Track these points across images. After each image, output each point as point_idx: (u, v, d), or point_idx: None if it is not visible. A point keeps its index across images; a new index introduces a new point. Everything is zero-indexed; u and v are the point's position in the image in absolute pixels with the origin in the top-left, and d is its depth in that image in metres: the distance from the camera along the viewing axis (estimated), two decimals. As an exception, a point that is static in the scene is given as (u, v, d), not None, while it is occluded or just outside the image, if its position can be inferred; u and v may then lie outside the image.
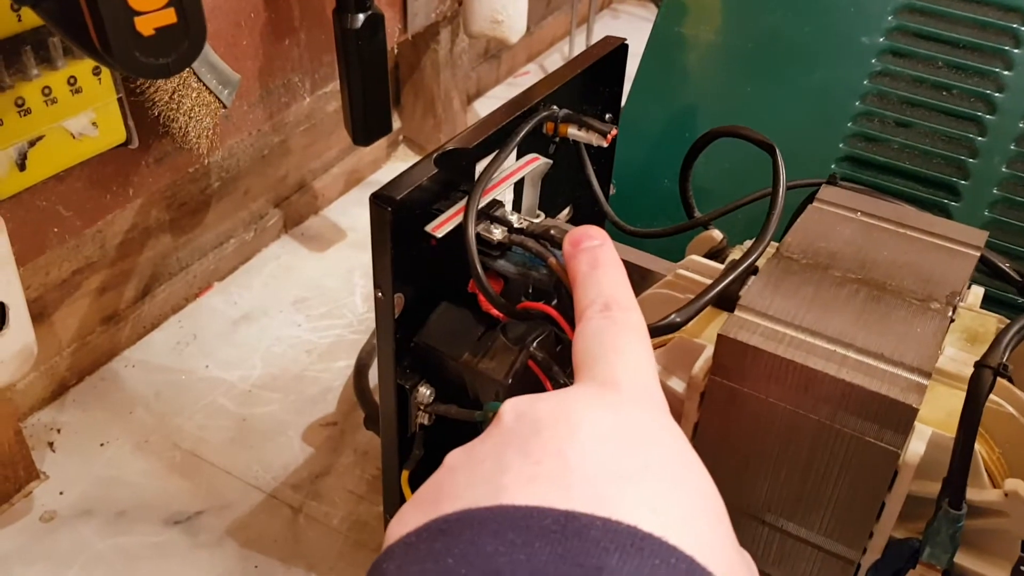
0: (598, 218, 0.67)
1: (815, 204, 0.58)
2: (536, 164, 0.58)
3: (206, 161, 0.75)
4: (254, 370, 0.86)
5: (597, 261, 0.38)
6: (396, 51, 1.09)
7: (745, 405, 0.48)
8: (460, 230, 0.53)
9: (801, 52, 0.73)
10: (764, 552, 0.52)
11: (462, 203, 0.53)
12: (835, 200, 0.58)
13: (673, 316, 0.48)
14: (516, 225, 0.54)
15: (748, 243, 0.62)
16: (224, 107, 0.71)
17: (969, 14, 0.70)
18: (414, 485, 0.58)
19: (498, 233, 0.53)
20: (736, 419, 0.49)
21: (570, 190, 0.66)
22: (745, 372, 0.47)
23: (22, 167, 0.58)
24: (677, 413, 0.53)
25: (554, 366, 0.53)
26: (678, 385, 0.52)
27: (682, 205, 0.64)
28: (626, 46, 0.64)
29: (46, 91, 0.58)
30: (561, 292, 0.52)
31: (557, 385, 0.53)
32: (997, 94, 0.68)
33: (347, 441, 0.80)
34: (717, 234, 0.62)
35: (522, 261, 0.53)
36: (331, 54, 0.86)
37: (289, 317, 0.92)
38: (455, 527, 0.25)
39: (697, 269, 0.56)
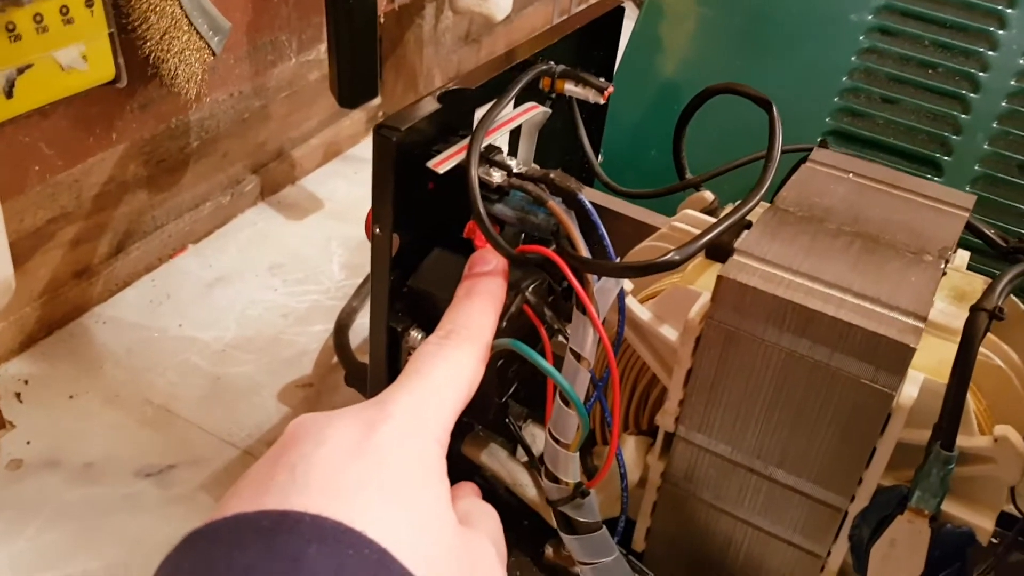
0: (587, 180, 0.67)
1: (808, 164, 0.58)
2: (535, 112, 0.57)
3: (191, 107, 0.73)
4: (228, 331, 0.85)
5: (472, 290, 0.43)
6: (382, 20, 1.08)
7: (741, 348, 0.48)
8: (459, 172, 0.52)
9: (790, 27, 0.74)
10: (751, 501, 0.52)
11: (463, 143, 0.53)
12: (828, 161, 0.59)
13: (672, 254, 0.48)
14: (515, 170, 0.53)
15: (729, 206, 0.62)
16: (213, 54, 0.70)
17: (955, -3, 0.72)
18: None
19: (497, 176, 0.53)
20: (731, 362, 0.49)
21: (560, 153, 0.66)
22: (743, 314, 0.48)
23: (9, 94, 0.57)
24: (669, 361, 0.53)
25: (547, 311, 0.53)
26: (671, 333, 0.52)
27: (675, 166, 0.65)
28: (622, 9, 0.65)
29: (38, 18, 0.57)
30: (559, 237, 0.52)
31: (550, 331, 0.53)
32: (981, 73, 0.70)
33: (324, 402, 0.79)
34: (709, 195, 0.62)
35: (520, 205, 0.53)
36: (320, 15, 0.85)
37: (265, 281, 0.91)
38: (206, 535, 0.27)
39: (692, 222, 0.56)
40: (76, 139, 0.65)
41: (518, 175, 0.53)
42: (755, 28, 0.76)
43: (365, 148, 1.13)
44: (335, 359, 0.83)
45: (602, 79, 0.67)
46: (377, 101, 1.15)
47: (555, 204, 0.51)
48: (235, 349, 0.83)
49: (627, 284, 0.53)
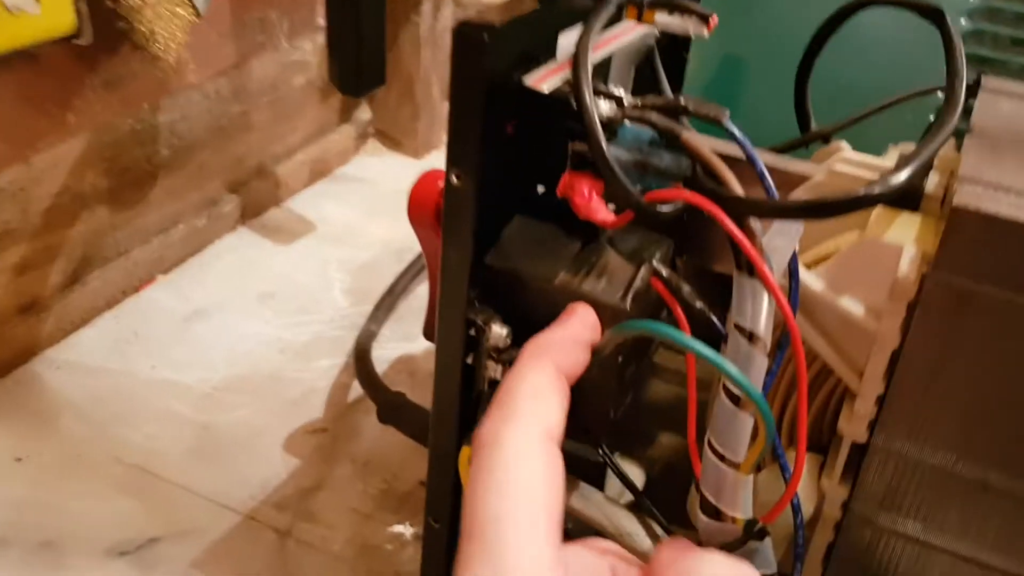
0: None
1: (985, 93, 0.46)
2: (641, 32, 0.44)
3: (168, 87, 0.59)
4: (215, 371, 0.69)
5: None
6: None
7: (979, 314, 0.35)
8: (546, 109, 0.39)
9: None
10: (981, 530, 0.38)
11: (557, 64, 0.40)
12: (1004, 89, 0.46)
13: (875, 185, 0.34)
14: (628, 100, 0.40)
15: (892, 149, 0.49)
16: (198, 15, 0.56)
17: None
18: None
19: (605, 108, 0.39)
20: (964, 335, 0.35)
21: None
22: (985, 263, 0.34)
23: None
24: (851, 347, 0.39)
25: (684, 286, 0.39)
26: (855, 307, 0.39)
27: (796, 115, 0.51)
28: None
29: (-31, -66, 0.42)
30: (697, 179, 0.38)
31: (689, 311, 0.39)
32: None
33: (342, 450, 0.63)
34: (845, 145, 0.49)
35: (637, 146, 0.39)
36: (313, -7, 0.72)
37: (254, 313, 0.76)
38: None
39: (859, 164, 0.43)
40: (24, 119, 0.50)
41: (635, 106, 0.40)
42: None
43: (357, 167, 0.99)
44: (351, 397, 0.68)
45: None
46: (368, 116, 1.01)
47: (693, 136, 0.38)
48: (225, 392, 0.67)
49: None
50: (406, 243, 0.84)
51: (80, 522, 0.56)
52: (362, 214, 0.90)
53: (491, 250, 0.40)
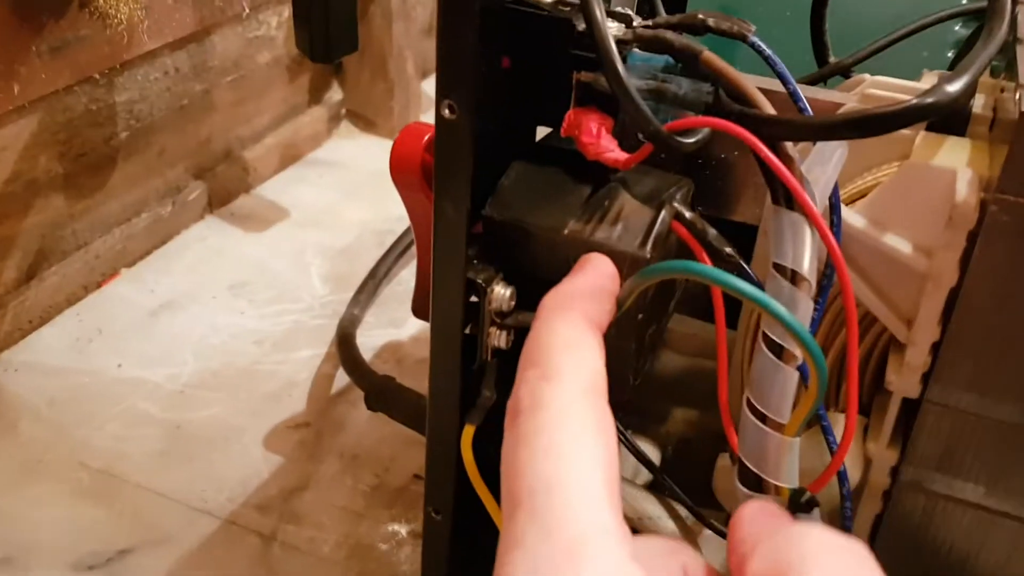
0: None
1: None
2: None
3: (120, 55, 0.54)
4: (185, 366, 0.64)
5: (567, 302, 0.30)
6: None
7: (1052, 240, 0.30)
8: (544, 41, 0.34)
9: None
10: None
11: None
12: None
13: (925, 96, 0.30)
14: (637, 21, 0.35)
15: (928, 74, 0.45)
16: (146, -29, 0.51)
17: None
18: (483, 450, 0.37)
19: (615, 29, 0.34)
20: (1033, 268, 0.31)
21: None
22: (1059, 182, 0.30)
23: None
24: (896, 291, 0.35)
25: (710, 229, 0.34)
26: (901, 244, 0.34)
27: (813, 47, 0.47)
28: None
29: None
30: (720, 105, 0.33)
31: (717, 257, 0.34)
32: None
33: (327, 445, 0.58)
34: (868, 78, 0.45)
35: (650, 73, 0.35)
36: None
37: (227, 303, 0.71)
38: None
39: (893, 86, 0.38)
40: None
41: (647, 26, 0.35)
42: None
43: (329, 151, 0.93)
44: (335, 388, 0.63)
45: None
46: (339, 96, 0.96)
47: (713, 55, 0.33)
48: (197, 388, 0.62)
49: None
50: (386, 225, 0.79)
51: (42, 534, 0.51)
52: (338, 197, 0.85)
53: (489, 201, 0.36)
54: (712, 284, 0.28)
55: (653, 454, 0.50)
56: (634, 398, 0.53)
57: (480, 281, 0.35)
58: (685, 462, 0.51)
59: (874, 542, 0.38)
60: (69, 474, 0.55)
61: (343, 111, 0.97)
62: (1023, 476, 0.34)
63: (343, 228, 0.80)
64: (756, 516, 0.27)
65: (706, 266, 0.31)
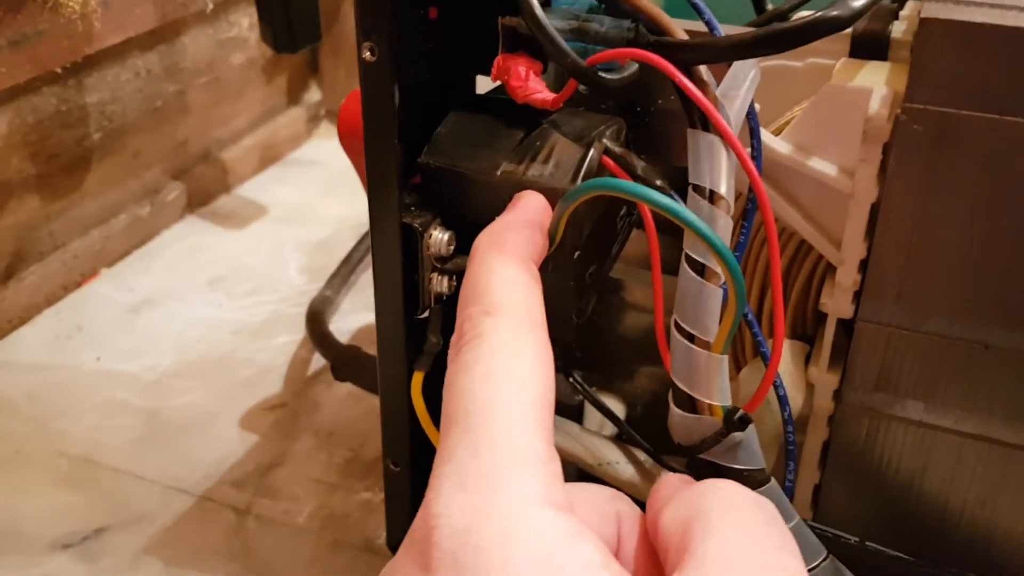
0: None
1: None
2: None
3: (80, 50, 0.55)
4: (163, 358, 0.65)
5: (502, 239, 0.30)
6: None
7: (964, 143, 0.31)
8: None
9: None
10: (988, 399, 0.34)
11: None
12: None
13: (830, 8, 0.30)
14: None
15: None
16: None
17: None
18: (432, 394, 0.38)
19: (533, -29, 0.35)
20: (949, 173, 0.31)
21: None
22: (964, 82, 0.30)
23: None
24: (825, 214, 0.35)
25: (638, 162, 0.35)
26: (826, 167, 0.35)
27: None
28: None
29: None
30: (640, 39, 0.34)
31: (644, 185, 0.35)
32: None
33: (302, 424, 0.59)
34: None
35: (572, 13, 0.36)
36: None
37: (205, 298, 0.72)
38: None
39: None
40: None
41: (563, -34, 0.36)
42: None
43: (309, 151, 0.95)
44: (311, 370, 0.63)
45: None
46: (317, 97, 0.97)
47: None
48: (174, 377, 0.63)
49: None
50: (364, 219, 0.79)
51: (20, 519, 0.51)
52: (317, 194, 0.86)
53: (425, 149, 0.37)
54: (630, 198, 0.29)
55: (620, 410, 0.51)
56: (602, 355, 0.54)
57: (416, 225, 0.36)
58: (653, 418, 0.51)
59: (824, 468, 0.39)
60: (48, 463, 0.56)
61: (322, 111, 0.98)
62: (958, 389, 0.35)
63: (321, 223, 0.81)
64: (673, 481, 0.28)
65: (624, 181, 0.32)
